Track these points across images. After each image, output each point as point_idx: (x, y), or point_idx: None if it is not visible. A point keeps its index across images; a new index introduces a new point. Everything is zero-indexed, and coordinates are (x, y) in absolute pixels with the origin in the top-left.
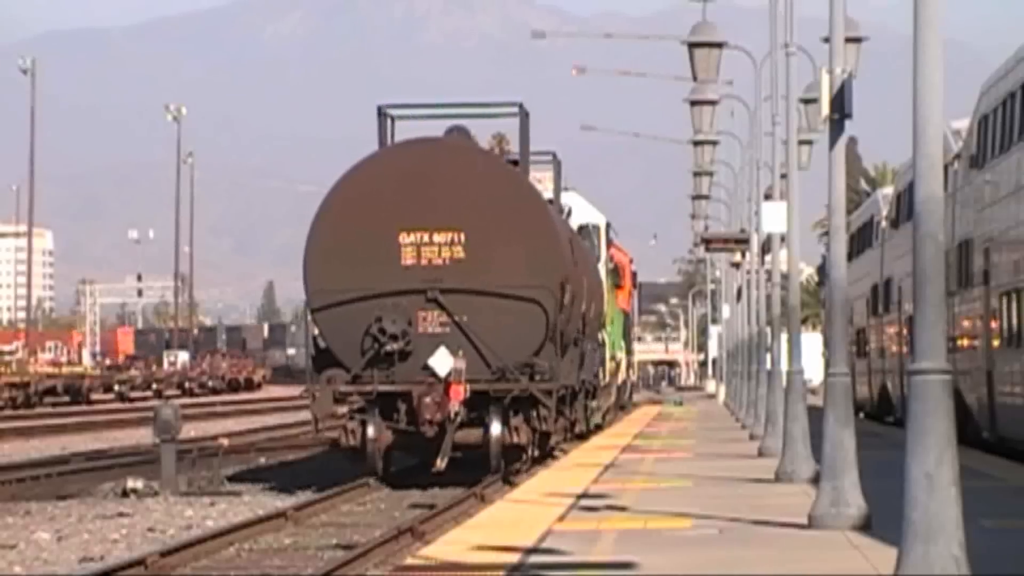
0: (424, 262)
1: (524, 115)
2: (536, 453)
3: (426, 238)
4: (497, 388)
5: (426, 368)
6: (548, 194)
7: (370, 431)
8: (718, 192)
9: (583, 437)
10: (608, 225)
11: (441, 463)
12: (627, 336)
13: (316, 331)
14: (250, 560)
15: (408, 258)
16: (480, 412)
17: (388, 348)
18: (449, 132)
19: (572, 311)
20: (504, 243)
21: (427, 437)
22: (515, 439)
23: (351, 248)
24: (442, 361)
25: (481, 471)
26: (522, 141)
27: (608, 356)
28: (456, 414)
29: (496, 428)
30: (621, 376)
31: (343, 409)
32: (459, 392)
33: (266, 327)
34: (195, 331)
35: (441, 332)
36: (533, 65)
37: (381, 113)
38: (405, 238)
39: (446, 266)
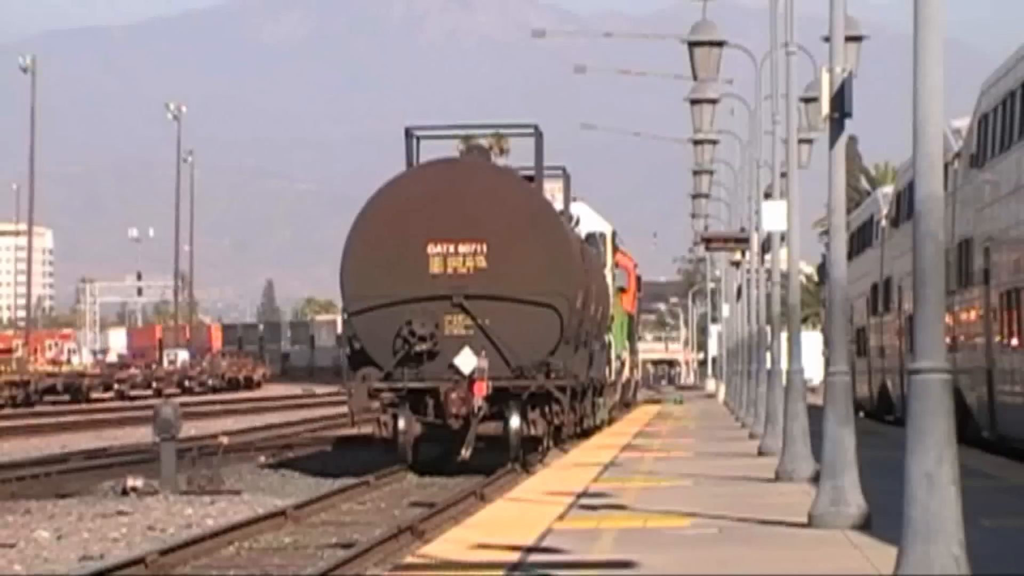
0: (450, 271)
1: (538, 135)
2: (551, 444)
3: (452, 249)
4: (516, 385)
5: (452, 367)
6: (559, 205)
7: (401, 424)
8: (718, 191)
9: (588, 434)
10: (614, 233)
11: (466, 453)
12: (631, 337)
13: (352, 333)
14: (250, 559)
15: (436, 267)
16: (501, 407)
17: (417, 348)
18: (469, 151)
19: (583, 315)
20: (522, 253)
21: (453, 429)
22: (532, 431)
23: (384, 258)
24: (466, 360)
25: (496, 461)
26: (537, 159)
27: (614, 356)
28: (479, 408)
29: (515, 421)
30: (625, 375)
31: (376, 404)
32: (482, 388)
33: (339, 321)
34: (260, 327)
35: (465, 334)
36: (533, 64)
37: (408, 134)
38: (433, 249)
39: (470, 274)
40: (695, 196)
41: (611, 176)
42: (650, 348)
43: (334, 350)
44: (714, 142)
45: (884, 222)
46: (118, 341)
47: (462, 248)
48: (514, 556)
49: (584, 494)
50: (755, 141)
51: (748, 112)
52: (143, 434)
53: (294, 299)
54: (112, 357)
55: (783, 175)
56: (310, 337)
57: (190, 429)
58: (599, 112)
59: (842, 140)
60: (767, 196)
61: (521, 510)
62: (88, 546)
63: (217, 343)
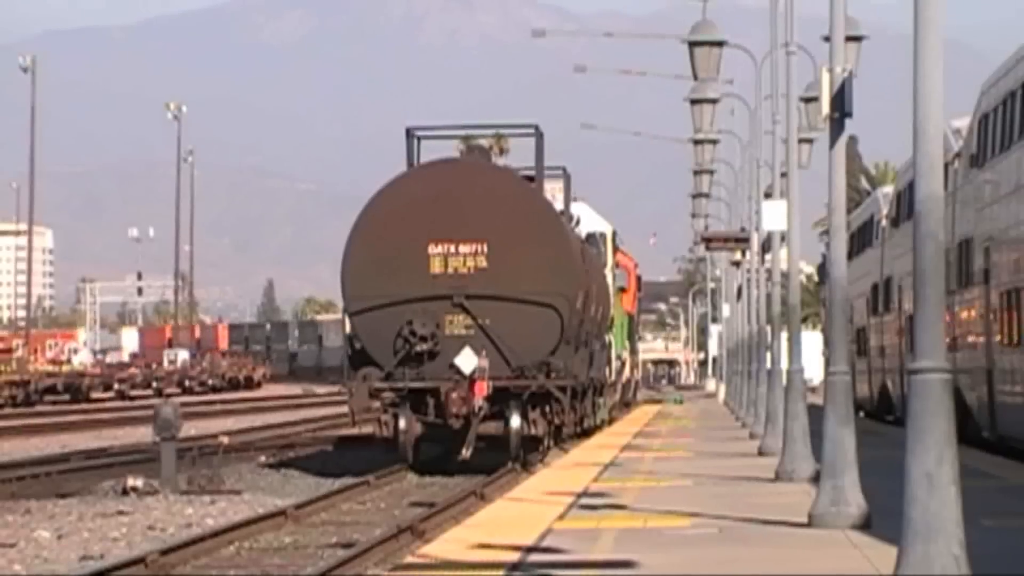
0: (451, 271)
1: (539, 136)
2: (551, 443)
3: (452, 249)
4: (517, 384)
5: (452, 367)
6: (559, 205)
7: (402, 423)
8: (718, 191)
9: (588, 434)
10: (615, 233)
11: (466, 452)
12: (631, 337)
13: (353, 333)
14: (250, 559)
15: (436, 267)
16: (501, 406)
17: (418, 348)
18: (469, 151)
19: (583, 315)
20: (523, 253)
21: (453, 429)
22: (533, 431)
23: (385, 258)
24: (467, 360)
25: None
26: (537, 159)
27: (614, 356)
28: (480, 408)
29: (516, 421)
30: (626, 375)
31: (377, 404)
32: (482, 388)
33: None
34: (267, 327)
35: (466, 334)
36: (533, 64)
37: (409, 134)
38: (434, 249)
39: (471, 274)
40: (695, 196)
41: (611, 176)
42: (650, 348)
43: (342, 350)
44: (714, 142)
45: (884, 222)
46: (131, 341)
47: (463, 248)
48: (514, 556)
49: (584, 494)
50: (755, 141)
51: (748, 112)
52: (143, 434)
53: (294, 299)
54: (125, 357)
55: (783, 175)
56: (318, 337)
57: (190, 429)
58: (599, 112)
59: (842, 140)
60: (767, 196)
61: (521, 510)
62: (88, 546)
63: (224, 343)
